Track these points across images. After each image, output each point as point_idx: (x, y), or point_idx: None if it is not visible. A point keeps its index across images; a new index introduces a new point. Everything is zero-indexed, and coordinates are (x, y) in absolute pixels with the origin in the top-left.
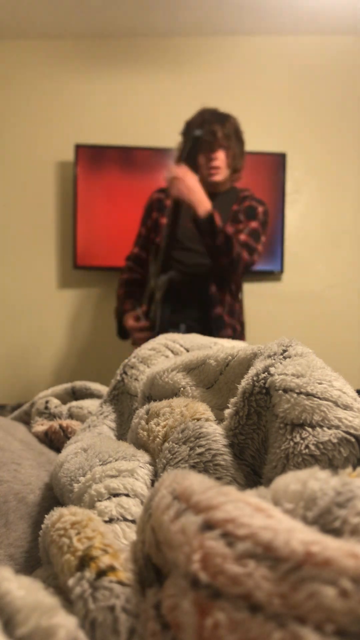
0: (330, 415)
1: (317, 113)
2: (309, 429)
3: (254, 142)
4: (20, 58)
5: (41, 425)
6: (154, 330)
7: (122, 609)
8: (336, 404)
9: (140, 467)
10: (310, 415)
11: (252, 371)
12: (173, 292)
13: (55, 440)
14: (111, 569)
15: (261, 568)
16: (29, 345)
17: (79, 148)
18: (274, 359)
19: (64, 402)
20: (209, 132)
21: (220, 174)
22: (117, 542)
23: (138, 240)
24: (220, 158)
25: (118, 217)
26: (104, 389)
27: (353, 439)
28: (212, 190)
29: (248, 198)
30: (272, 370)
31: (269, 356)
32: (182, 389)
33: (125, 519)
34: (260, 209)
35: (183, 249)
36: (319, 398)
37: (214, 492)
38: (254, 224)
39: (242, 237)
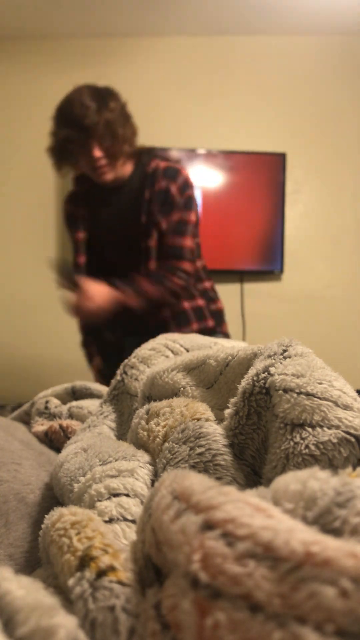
0: (330, 415)
1: (317, 113)
2: (309, 429)
3: (254, 142)
4: (20, 58)
5: (41, 425)
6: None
7: (122, 609)
8: (336, 404)
9: (140, 467)
10: (310, 415)
11: (252, 371)
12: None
13: (55, 440)
14: (111, 569)
15: (261, 568)
16: (29, 345)
17: None
18: (274, 359)
19: (64, 402)
20: (79, 129)
21: (109, 171)
22: (117, 542)
23: (73, 249)
24: (101, 154)
25: None
26: (104, 389)
27: (353, 439)
28: (115, 185)
29: (157, 174)
30: (272, 370)
31: (269, 356)
32: (182, 389)
33: (125, 519)
34: (173, 187)
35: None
36: (319, 398)
37: (214, 492)
38: (174, 217)
39: (168, 242)
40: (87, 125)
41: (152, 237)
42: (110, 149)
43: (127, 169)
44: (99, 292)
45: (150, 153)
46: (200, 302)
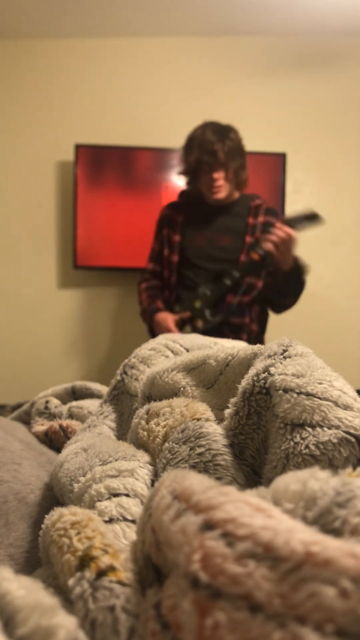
0: (331, 415)
1: (317, 113)
2: (309, 429)
3: (254, 142)
4: (20, 58)
5: (41, 425)
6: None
7: (122, 609)
8: (336, 404)
9: (141, 467)
10: (311, 415)
11: (252, 371)
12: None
13: (55, 440)
14: (111, 569)
15: (261, 568)
16: (29, 345)
17: (79, 148)
18: (274, 359)
19: (64, 402)
20: (209, 152)
21: (222, 192)
22: (117, 542)
23: (153, 255)
24: (221, 177)
25: (118, 217)
26: (104, 389)
27: (353, 439)
28: (219, 204)
29: (260, 209)
30: (272, 370)
31: (269, 356)
32: (182, 389)
33: (125, 519)
34: (277, 224)
35: (194, 266)
36: (319, 398)
37: (214, 492)
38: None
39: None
40: (213, 150)
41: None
42: (229, 174)
43: (234, 195)
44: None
45: (255, 196)
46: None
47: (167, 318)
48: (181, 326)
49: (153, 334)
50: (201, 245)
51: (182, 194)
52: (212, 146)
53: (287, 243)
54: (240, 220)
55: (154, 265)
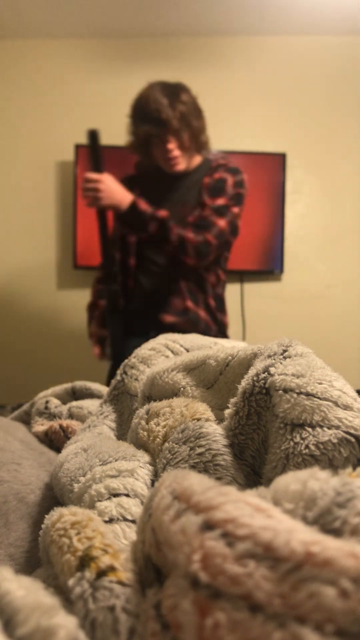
0: (331, 416)
1: (316, 113)
2: (309, 429)
3: (254, 142)
4: (20, 58)
5: (41, 425)
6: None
7: (122, 609)
8: (336, 404)
9: (141, 467)
10: (311, 415)
11: (252, 371)
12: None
13: (55, 440)
14: (111, 569)
15: (261, 568)
16: (29, 345)
17: (79, 148)
18: (274, 359)
19: (64, 402)
20: (158, 122)
21: (181, 163)
22: (117, 542)
23: (108, 239)
24: (176, 147)
25: None
26: (104, 389)
27: (353, 439)
28: (180, 174)
29: (220, 168)
30: (272, 370)
31: (269, 356)
32: (182, 389)
33: (126, 519)
34: (230, 180)
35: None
36: (319, 398)
37: (214, 492)
38: (220, 201)
39: (204, 213)
40: (163, 120)
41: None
42: (184, 141)
43: (195, 161)
44: (117, 186)
45: (219, 156)
46: (212, 303)
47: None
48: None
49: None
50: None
51: (138, 165)
52: (161, 114)
53: (93, 188)
54: (195, 184)
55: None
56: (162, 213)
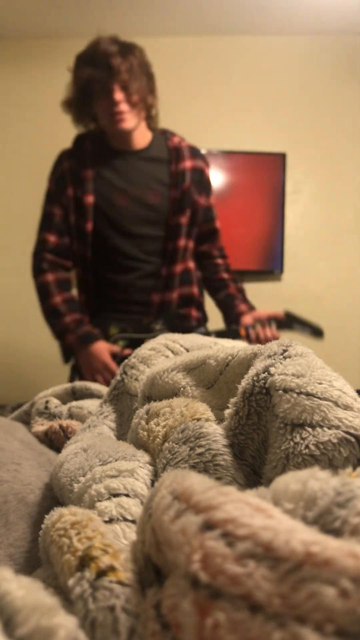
0: (331, 416)
1: (316, 113)
2: (309, 429)
3: (254, 142)
4: (20, 58)
5: (41, 425)
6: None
7: (122, 609)
8: (336, 404)
9: (141, 467)
10: (311, 415)
11: (252, 371)
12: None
13: (55, 440)
14: (111, 569)
15: (261, 568)
16: (29, 345)
17: None
18: (274, 359)
19: (64, 402)
20: (105, 67)
21: (128, 120)
22: (117, 542)
23: (51, 222)
24: (124, 100)
25: None
26: (104, 389)
27: (353, 439)
28: (130, 147)
29: (182, 151)
30: (272, 370)
31: (269, 356)
32: (182, 389)
33: (125, 519)
34: (206, 170)
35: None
36: (319, 398)
37: (214, 492)
38: (213, 199)
39: (217, 225)
40: (111, 64)
41: (184, 214)
42: (131, 95)
43: (145, 136)
44: None
45: (165, 131)
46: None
47: (105, 353)
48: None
49: (68, 356)
50: (124, 205)
51: (79, 139)
52: (109, 59)
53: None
54: (161, 167)
55: (57, 237)
56: (244, 306)
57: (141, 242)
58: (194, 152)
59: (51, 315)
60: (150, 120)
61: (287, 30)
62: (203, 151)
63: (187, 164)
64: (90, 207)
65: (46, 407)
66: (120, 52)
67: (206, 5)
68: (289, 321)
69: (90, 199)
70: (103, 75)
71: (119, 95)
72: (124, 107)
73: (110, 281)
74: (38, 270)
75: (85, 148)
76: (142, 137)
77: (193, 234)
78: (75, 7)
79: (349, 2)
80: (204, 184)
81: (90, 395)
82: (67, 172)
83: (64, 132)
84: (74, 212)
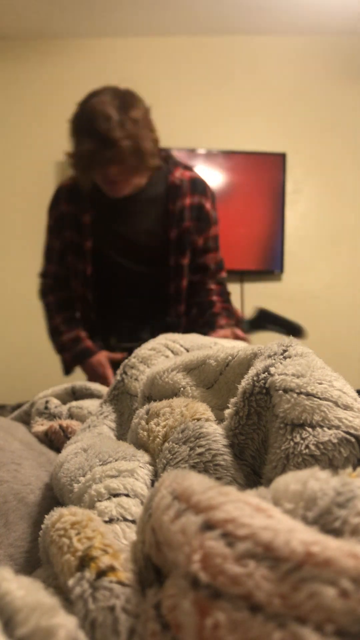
0: (331, 416)
1: (316, 113)
2: (309, 429)
3: (254, 142)
4: (20, 58)
5: (41, 425)
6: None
7: (122, 609)
8: (336, 404)
9: (140, 467)
10: (311, 415)
11: (252, 371)
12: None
13: (55, 440)
14: (111, 569)
15: (261, 568)
16: (29, 345)
17: None
18: (274, 359)
19: (64, 402)
20: (103, 143)
21: (123, 189)
22: (117, 542)
23: (50, 254)
24: (119, 172)
25: None
26: (104, 389)
27: (353, 439)
28: (129, 194)
29: (182, 187)
30: (272, 370)
31: (269, 356)
32: (182, 389)
33: (125, 519)
34: (207, 204)
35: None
36: (319, 398)
37: (214, 492)
38: (213, 231)
39: (213, 257)
40: (111, 139)
41: (185, 255)
42: (130, 166)
43: (143, 179)
44: None
45: (168, 161)
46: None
47: (106, 368)
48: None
49: (68, 371)
50: (117, 247)
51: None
52: (109, 132)
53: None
54: (159, 207)
55: (56, 267)
56: (234, 331)
57: (141, 281)
58: (194, 187)
59: (53, 334)
60: (150, 169)
61: (287, 30)
62: (202, 151)
63: (186, 201)
64: (89, 252)
65: (46, 407)
66: (119, 122)
67: (206, 5)
68: (260, 320)
69: (89, 244)
70: (103, 151)
71: (113, 170)
72: (121, 178)
73: (110, 306)
74: (42, 293)
75: (84, 191)
76: (138, 182)
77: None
78: (75, 7)
79: (349, 2)
80: (203, 221)
81: (90, 395)
82: (65, 215)
83: (64, 132)
84: (73, 255)
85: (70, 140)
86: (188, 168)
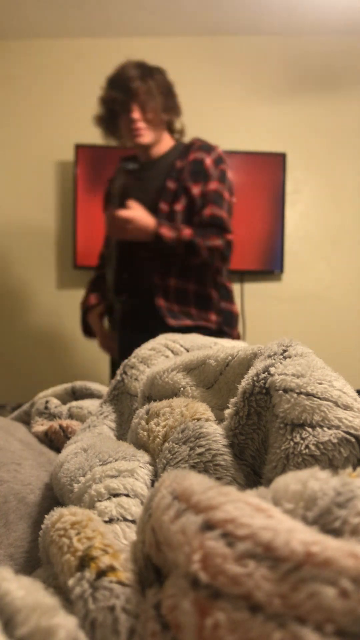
0: (331, 416)
1: (316, 113)
2: (309, 429)
3: (254, 142)
4: (20, 58)
5: (41, 425)
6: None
7: (122, 609)
8: (336, 404)
9: (141, 467)
10: (311, 415)
11: (252, 371)
12: (129, 315)
13: (55, 440)
14: (111, 569)
15: (261, 568)
16: (29, 345)
17: (79, 148)
18: (274, 359)
19: (64, 402)
20: (125, 90)
21: (145, 135)
22: (117, 542)
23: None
24: (140, 118)
25: None
26: (104, 389)
27: (353, 439)
28: (150, 158)
29: (192, 148)
30: (272, 370)
31: (269, 356)
32: (182, 389)
33: (125, 519)
34: (207, 159)
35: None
36: (319, 398)
37: (214, 492)
38: (212, 185)
39: (207, 212)
40: (130, 88)
41: (179, 202)
42: (149, 114)
43: (165, 144)
44: (141, 213)
45: (196, 139)
46: (214, 294)
47: (94, 322)
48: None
49: (86, 329)
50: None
51: (123, 159)
52: (129, 82)
53: (116, 219)
54: (168, 167)
55: (103, 249)
56: (186, 233)
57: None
58: (200, 147)
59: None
60: (174, 133)
61: (287, 30)
62: None
63: (190, 157)
64: None
65: (46, 407)
66: (140, 77)
67: (206, 5)
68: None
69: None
70: (123, 97)
71: (136, 114)
72: (140, 124)
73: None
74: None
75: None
76: (161, 148)
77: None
78: (75, 7)
79: (349, 2)
80: (199, 173)
81: (90, 395)
82: (107, 190)
83: (64, 132)
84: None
85: (99, 103)
86: (205, 141)
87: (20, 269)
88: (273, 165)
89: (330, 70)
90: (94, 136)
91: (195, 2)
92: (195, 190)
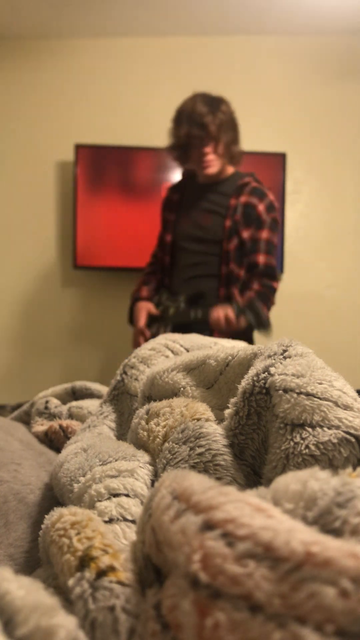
0: (331, 416)
1: (316, 113)
2: (309, 429)
3: (254, 142)
4: (20, 58)
5: (41, 425)
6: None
7: (122, 609)
8: (336, 404)
9: (140, 467)
10: (311, 415)
11: (252, 371)
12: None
13: (55, 440)
14: (111, 569)
15: (261, 568)
16: (29, 345)
17: (79, 148)
18: (274, 359)
19: (64, 402)
20: (199, 125)
21: (214, 166)
22: (117, 542)
23: (158, 239)
24: (212, 151)
25: (118, 217)
26: (104, 389)
27: (353, 439)
28: (211, 181)
29: (245, 189)
30: (272, 370)
31: (269, 356)
32: (182, 389)
33: (125, 519)
34: (260, 206)
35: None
36: (319, 398)
37: (214, 492)
38: (264, 234)
39: (260, 260)
40: (203, 124)
41: (232, 242)
42: (219, 147)
43: (226, 172)
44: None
45: (248, 173)
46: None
47: (142, 311)
48: (151, 323)
49: (131, 317)
50: (187, 225)
51: (183, 173)
52: (202, 119)
53: (222, 326)
54: (225, 199)
55: (157, 249)
56: (257, 305)
57: (195, 257)
58: (253, 191)
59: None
60: (233, 159)
61: (287, 30)
62: None
63: (243, 199)
64: (171, 224)
65: (46, 407)
66: (211, 112)
67: (206, 5)
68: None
69: (172, 217)
70: (198, 133)
71: (208, 149)
72: (211, 157)
73: (173, 269)
74: (147, 266)
75: (182, 180)
76: (222, 172)
77: (244, 264)
78: (75, 7)
79: (349, 2)
80: (251, 218)
81: (90, 395)
82: (165, 198)
83: (64, 132)
84: (163, 228)
85: (171, 132)
86: (259, 182)
87: (20, 268)
88: (273, 165)
89: (330, 70)
90: (94, 136)
91: (195, 2)
92: (246, 234)
